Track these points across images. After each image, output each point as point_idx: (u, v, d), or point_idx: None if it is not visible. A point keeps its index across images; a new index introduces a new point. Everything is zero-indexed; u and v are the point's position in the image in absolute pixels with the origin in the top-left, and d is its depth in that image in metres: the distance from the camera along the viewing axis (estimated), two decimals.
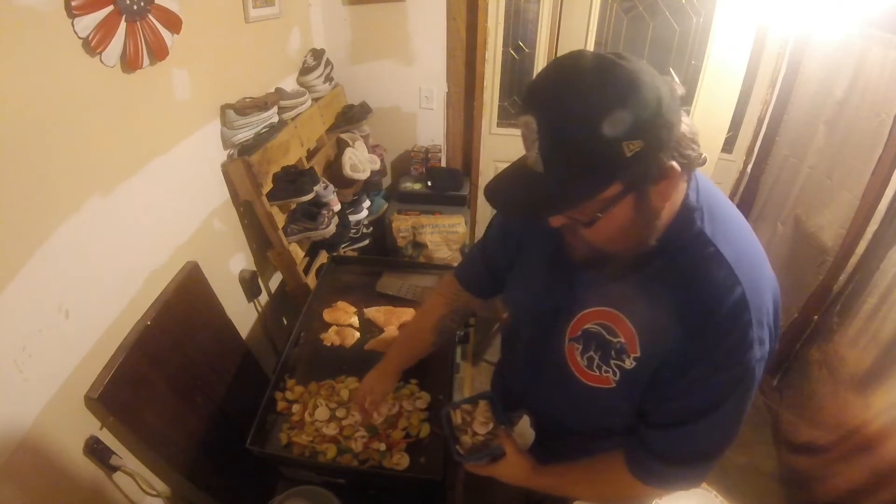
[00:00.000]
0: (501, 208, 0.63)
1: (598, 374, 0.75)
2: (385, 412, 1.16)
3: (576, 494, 0.84)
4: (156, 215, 1.22)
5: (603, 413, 0.80)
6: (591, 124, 0.53)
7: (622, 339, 0.71)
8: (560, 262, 0.76)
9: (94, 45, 0.94)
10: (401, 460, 1.10)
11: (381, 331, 1.42)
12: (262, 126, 1.56)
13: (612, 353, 0.73)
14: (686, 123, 0.59)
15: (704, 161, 0.63)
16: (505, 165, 0.64)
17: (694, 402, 0.67)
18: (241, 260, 1.67)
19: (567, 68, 0.56)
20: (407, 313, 1.47)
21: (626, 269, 0.68)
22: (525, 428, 0.93)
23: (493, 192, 0.64)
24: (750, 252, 0.67)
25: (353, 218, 2.03)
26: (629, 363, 0.71)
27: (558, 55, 2.56)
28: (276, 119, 1.63)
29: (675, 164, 0.58)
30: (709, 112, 2.03)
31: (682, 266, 0.65)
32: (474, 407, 0.90)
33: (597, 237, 0.64)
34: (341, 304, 1.50)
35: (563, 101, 0.55)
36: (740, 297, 0.62)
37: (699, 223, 0.65)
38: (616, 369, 0.73)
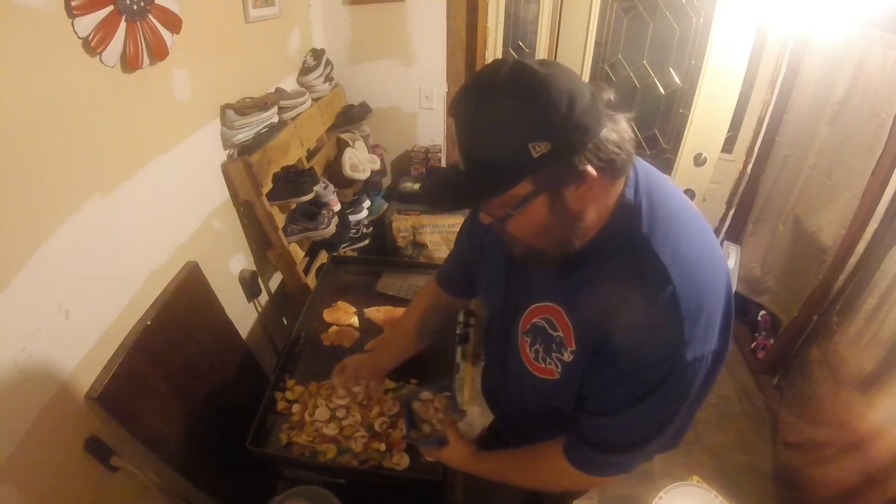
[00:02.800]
0: (428, 202, 0.68)
1: (543, 365, 0.79)
2: (361, 396, 1.18)
3: (513, 480, 0.89)
4: (156, 215, 1.22)
5: (556, 401, 0.83)
6: (498, 125, 0.57)
7: (561, 334, 0.74)
8: (517, 261, 0.81)
9: (94, 45, 0.94)
10: (401, 460, 1.10)
11: (381, 331, 1.43)
12: (262, 126, 1.56)
13: (553, 346, 0.76)
14: (614, 129, 0.60)
15: (623, 165, 0.63)
16: None
17: (621, 394, 0.69)
18: (241, 260, 1.67)
19: (484, 74, 0.59)
20: None
21: (563, 266, 0.71)
22: (475, 417, 0.98)
23: (425, 186, 0.69)
24: (692, 248, 0.67)
25: (353, 218, 2.03)
26: (567, 356, 0.74)
27: (558, 55, 2.57)
28: (276, 119, 1.63)
29: (590, 168, 0.59)
30: (709, 112, 2.03)
31: (617, 265, 0.67)
32: (434, 396, 0.99)
33: (517, 233, 0.67)
34: (341, 304, 1.50)
35: (475, 104, 0.59)
36: (670, 295, 0.62)
37: (635, 222, 0.66)
38: (557, 362, 0.76)
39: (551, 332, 0.76)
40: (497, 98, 0.57)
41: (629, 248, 0.66)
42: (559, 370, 0.76)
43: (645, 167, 0.70)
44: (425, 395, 0.99)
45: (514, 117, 0.56)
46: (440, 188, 0.68)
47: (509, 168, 0.58)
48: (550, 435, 0.85)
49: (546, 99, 0.55)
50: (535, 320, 0.79)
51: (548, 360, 0.78)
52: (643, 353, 0.65)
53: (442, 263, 1.10)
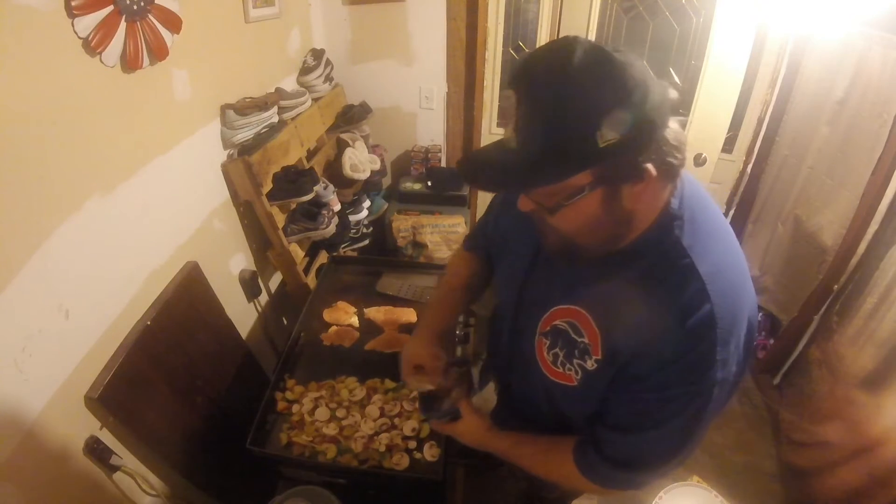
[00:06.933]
0: (469, 178, 0.63)
1: (561, 370, 0.75)
2: (441, 371, 1.00)
3: (522, 465, 0.86)
4: (156, 215, 1.22)
5: (567, 407, 0.81)
6: (568, 107, 0.52)
7: (586, 340, 0.71)
8: (544, 256, 0.77)
9: (94, 45, 0.94)
10: (401, 460, 1.10)
11: (381, 331, 1.42)
12: (262, 126, 1.56)
13: (576, 352, 0.72)
14: (674, 130, 0.57)
15: (678, 170, 0.61)
16: None
17: (646, 412, 0.67)
18: (241, 260, 1.67)
19: (556, 52, 0.55)
20: (407, 313, 1.47)
21: (596, 266, 0.68)
22: (490, 393, 0.96)
23: (465, 162, 0.63)
24: (730, 269, 0.65)
25: (353, 218, 2.03)
26: (591, 364, 0.71)
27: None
28: (276, 119, 1.62)
29: (651, 167, 0.57)
30: (709, 112, 2.03)
31: (653, 275, 0.64)
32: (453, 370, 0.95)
33: (562, 226, 0.63)
34: (341, 304, 1.50)
35: (545, 80, 0.54)
36: (708, 314, 0.60)
37: (677, 232, 0.64)
38: (578, 369, 0.73)
39: (575, 337, 0.72)
40: (570, 78, 0.52)
41: (668, 260, 0.63)
42: (578, 377, 0.73)
43: (690, 178, 0.67)
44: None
45: (586, 102, 0.52)
46: (485, 167, 0.61)
47: (572, 155, 0.54)
48: (549, 432, 0.83)
49: (622, 87, 0.52)
50: (556, 322, 0.75)
51: (567, 365, 0.74)
52: (674, 372, 0.63)
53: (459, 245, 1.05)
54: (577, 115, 0.52)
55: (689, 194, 0.66)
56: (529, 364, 0.81)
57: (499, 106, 0.62)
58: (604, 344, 0.69)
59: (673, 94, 0.58)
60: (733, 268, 0.66)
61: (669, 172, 0.60)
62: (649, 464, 0.72)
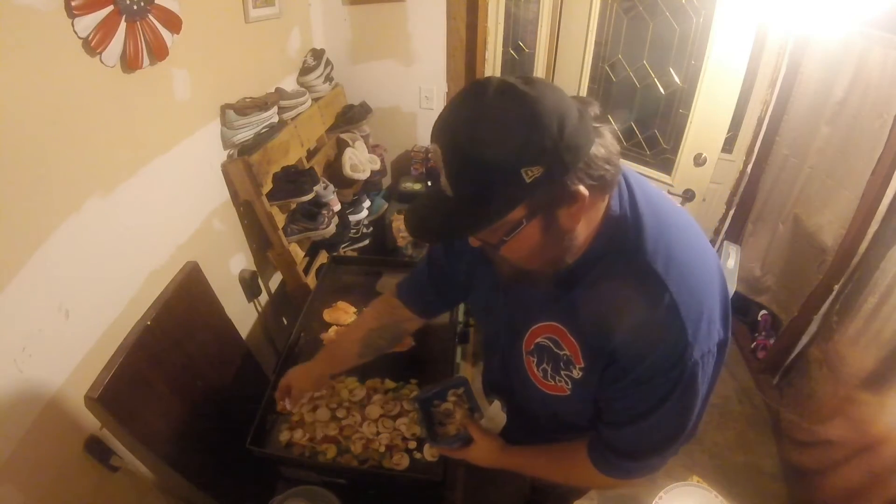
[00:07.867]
0: (414, 232, 0.65)
1: (553, 383, 0.78)
2: (297, 408, 1.18)
3: (541, 476, 0.89)
4: (156, 215, 1.22)
5: (568, 415, 0.84)
6: (488, 153, 0.54)
7: (567, 352, 0.74)
8: (507, 282, 0.79)
9: (94, 45, 0.94)
10: (401, 460, 1.10)
11: None
12: (262, 126, 1.56)
13: (561, 364, 0.75)
14: (602, 144, 0.58)
15: (613, 180, 0.62)
16: None
17: (637, 403, 0.69)
18: (241, 260, 1.67)
19: (469, 97, 0.57)
20: None
21: (554, 284, 0.70)
22: (496, 412, 0.97)
23: (409, 215, 0.66)
24: (682, 251, 0.67)
25: (353, 218, 2.03)
26: (577, 373, 0.74)
27: (558, 55, 2.56)
28: (276, 119, 1.63)
29: (582, 188, 0.58)
30: (709, 112, 2.03)
31: (613, 279, 0.66)
32: (450, 394, 0.99)
33: (511, 257, 0.66)
34: (341, 304, 1.50)
35: (463, 131, 0.56)
36: (669, 302, 0.62)
37: (623, 232, 0.65)
38: (567, 379, 0.76)
39: (557, 350, 0.75)
40: (485, 124, 0.55)
41: (622, 261, 0.65)
42: (569, 387, 0.76)
43: (629, 176, 0.69)
44: (437, 400, 0.99)
45: (504, 143, 0.54)
46: (425, 217, 0.64)
47: (502, 195, 0.56)
48: (557, 438, 0.85)
49: (537, 122, 0.53)
50: (538, 340, 0.78)
51: (557, 377, 0.77)
52: (651, 363, 0.65)
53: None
54: (498, 158, 0.54)
55: (625, 190, 0.67)
56: (525, 381, 0.83)
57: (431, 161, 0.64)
58: (584, 352, 0.71)
59: (595, 109, 0.60)
60: (685, 246, 0.67)
61: (604, 185, 0.61)
62: (658, 448, 0.75)
